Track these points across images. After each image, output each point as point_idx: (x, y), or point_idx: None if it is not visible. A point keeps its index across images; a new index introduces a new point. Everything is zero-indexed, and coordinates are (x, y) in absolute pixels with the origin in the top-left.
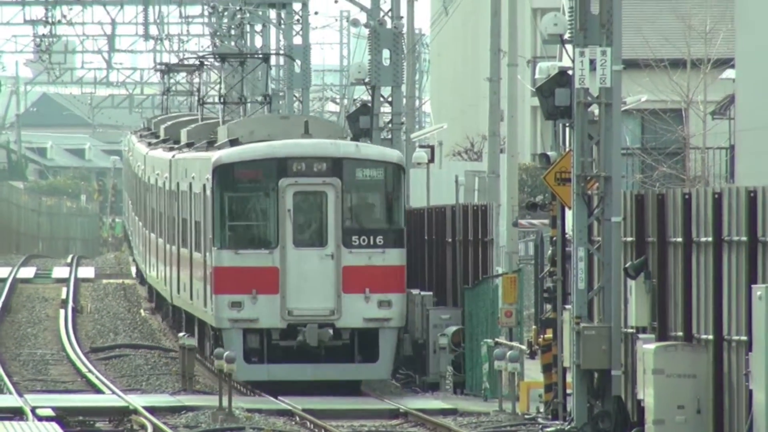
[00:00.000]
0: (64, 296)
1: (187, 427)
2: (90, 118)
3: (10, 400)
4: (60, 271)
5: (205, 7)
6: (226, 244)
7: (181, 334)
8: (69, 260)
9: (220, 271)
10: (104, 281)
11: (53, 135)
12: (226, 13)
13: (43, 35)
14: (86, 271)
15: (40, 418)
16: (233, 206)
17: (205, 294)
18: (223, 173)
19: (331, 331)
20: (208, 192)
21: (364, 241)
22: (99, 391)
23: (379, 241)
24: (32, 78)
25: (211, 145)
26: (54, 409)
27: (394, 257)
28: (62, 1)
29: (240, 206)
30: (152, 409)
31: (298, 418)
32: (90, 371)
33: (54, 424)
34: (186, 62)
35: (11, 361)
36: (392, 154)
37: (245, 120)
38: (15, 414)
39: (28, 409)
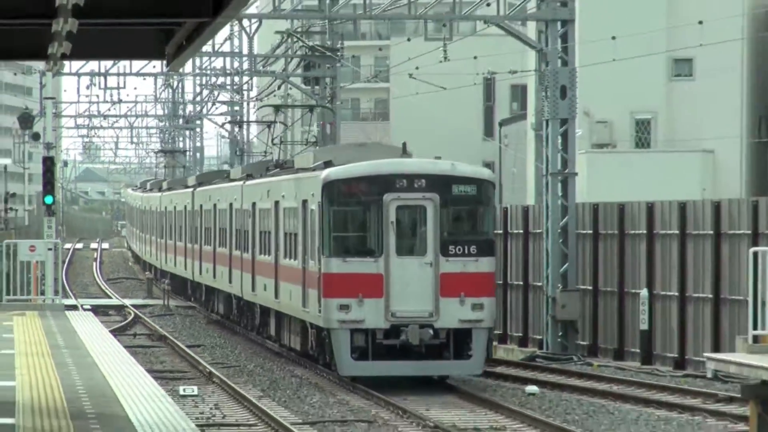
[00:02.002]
0: (95, 256)
1: (150, 314)
2: (107, 178)
3: (71, 302)
4: (93, 245)
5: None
6: (335, 253)
7: (147, 273)
8: (97, 240)
9: (329, 277)
10: (113, 249)
11: (92, 185)
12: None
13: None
14: (105, 245)
15: (85, 309)
16: (341, 218)
17: (304, 297)
18: (332, 189)
19: (431, 331)
20: (314, 206)
21: (459, 250)
22: (110, 297)
23: (473, 251)
24: (81, 160)
25: (284, 169)
26: (91, 306)
27: (486, 265)
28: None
29: (347, 218)
30: (133, 305)
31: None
32: (106, 289)
33: (90, 312)
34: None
35: (72, 284)
36: (483, 172)
37: (328, 148)
38: (73, 308)
39: (79, 305)
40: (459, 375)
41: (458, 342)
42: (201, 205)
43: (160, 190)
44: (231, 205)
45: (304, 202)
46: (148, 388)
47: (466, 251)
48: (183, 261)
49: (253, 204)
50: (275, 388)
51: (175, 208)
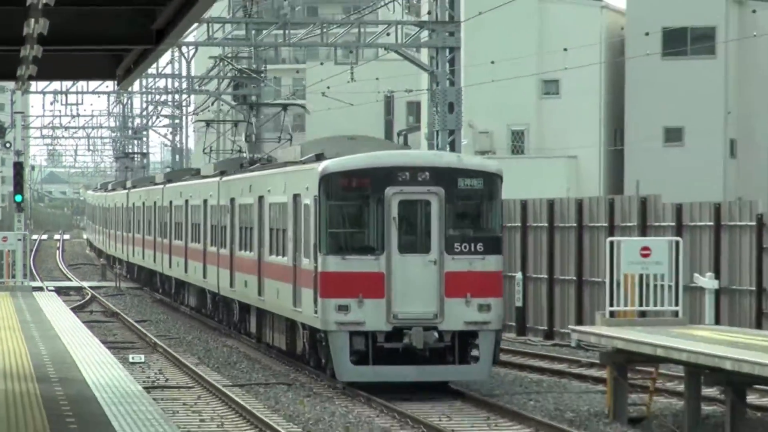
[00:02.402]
0: (58, 245)
1: (104, 294)
2: (68, 180)
3: (38, 284)
4: (57, 236)
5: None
6: (332, 251)
7: (102, 260)
8: (60, 232)
9: (327, 276)
10: (73, 240)
11: (55, 186)
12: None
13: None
14: (66, 236)
15: (49, 290)
16: (339, 214)
17: (295, 296)
18: (329, 182)
19: (436, 334)
20: (308, 201)
21: (465, 247)
22: (70, 280)
23: (479, 248)
24: (46, 164)
25: (265, 164)
26: (55, 287)
27: (493, 263)
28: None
29: (345, 214)
30: (90, 287)
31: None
32: (67, 273)
33: (54, 293)
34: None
35: (39, 269)
36: (491, 165)
37: (315, 141)
38: (39, 289)
39: (44, 287)
40: (465, 380)
41: (464, 345)
42: (171, 201)
43: (124, 188)
44: (205, 201)
45: (296, 196)
46: (102, 356)
47: (473, 249)
48: (152, 254)
49: (232, 200)
50: (210, 356)
51: (144, 203)
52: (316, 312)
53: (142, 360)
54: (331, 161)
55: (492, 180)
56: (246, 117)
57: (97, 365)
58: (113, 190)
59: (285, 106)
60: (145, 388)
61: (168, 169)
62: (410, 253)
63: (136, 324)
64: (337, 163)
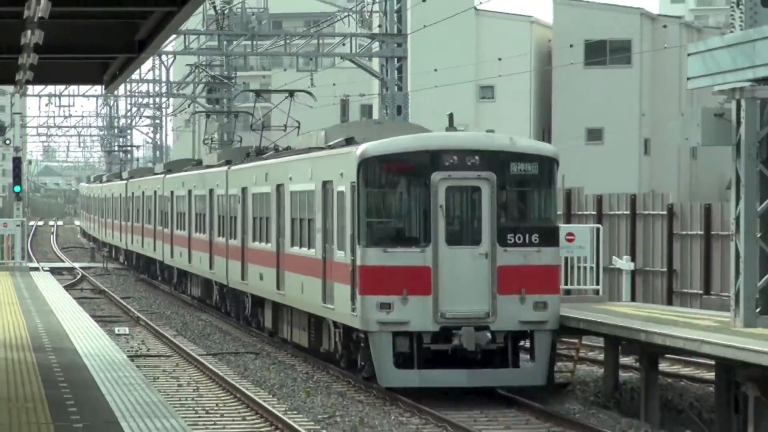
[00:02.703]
0: (53, 230)
1: (93, 274)
2: (61, 173)
3: (35, 265)
4: (51, 222)
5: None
6: (374, 242)
7: (91, 244)
8: (55, 219)
9: (367, 270)
10: (66, 226)
11: (50, 178)
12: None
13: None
14: (60, 222)
15: (44, 271)
16: (380, 202)
17: (326, 291)
18: (370, 167)
19: (489, 335)
20: (342, 188)
21: (519, 239)
22: (63, 261)
23: (535, 240)
24: (42, 159)
25: (280, 152)
26: (49, 268)
27: (550, 256)
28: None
29: (388, 201)
30: (81, 267)
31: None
32: (60, 255)
33: (48, 273)
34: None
35: (35, 251)
36: (547, 148)
37: (339, 126)
38: (36, 269)
39: (40, 267)
40: (519, 386)
41: (517, 347)
42: (172, 192)
43: (121, 178)
44: (211, 191)
45: (326, 183)
46: (91, 329)
47: (528, 240)
48: (151, 243)
49: (243, 189)
50: (186, 329)
51: (143, 193)
52: (353, 310)
53: (127, 332)
54: (371, 144)
55: (547, 164)
56: (222, 120)
57: (86, 336)
58: (109, 181)
59: (292, 93)
60: (129, 356)
61: (149, 164)
62: (459, 246)
63: (121, 300)
64: (378, 146)
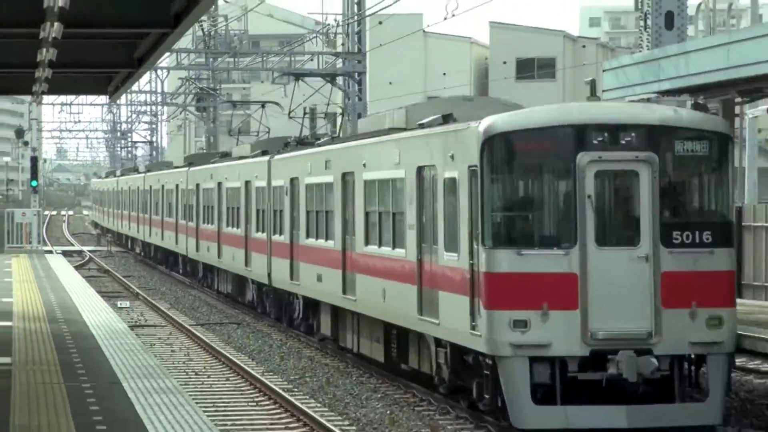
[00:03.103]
0: (65, 219)
1: (99, 256)
2: (72, 170)
3: (49, 248)
4: (63, 212)
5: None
6: (503, 243)
7: (97, 230)
8: (66, 209)
9: (495, 278)
10: (76, 215)
11: (62, 174)
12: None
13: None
14: (71, 212)
15: (57, 253)
16: (510, 191)
17: (422, 301)
18: (497, 147)
19: (655, 361)
20: (453, 174)
21: (687, 238)
22: (73, 245)
23: (707, 239)
24: (55, 158)
25: (337, 138)
26: (62, 251)
27: (724, 260)
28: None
29: (521, 191)
30: (89, 251)
31: None
32: (71, 240)
33: (61, 255)
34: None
35: (50, 237)
36: (717, 122)
37: (421, 104)
38: (50, 252)
39: (54, 251)
40: (691, 425)
41: (683, 375)
42: (198, 184)
43: (138, 172)
44: (248, 182)
45: (421, 169)
46: (97, 303)
47: (698, 239)
48: (173, 236)
49: (293, 180)
50: (179, 303)
51: (163, 186)
52: (474, 328)
53: (128, 305)
54: (499, 117)
55: (722, 142)
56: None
57: (93, 309)
58: (123, 175)
59: (333, 77)
60: (129, 326)
61: (147, 162)
62: (612, 247)
63: (123, 278)
64: (508, 120)
